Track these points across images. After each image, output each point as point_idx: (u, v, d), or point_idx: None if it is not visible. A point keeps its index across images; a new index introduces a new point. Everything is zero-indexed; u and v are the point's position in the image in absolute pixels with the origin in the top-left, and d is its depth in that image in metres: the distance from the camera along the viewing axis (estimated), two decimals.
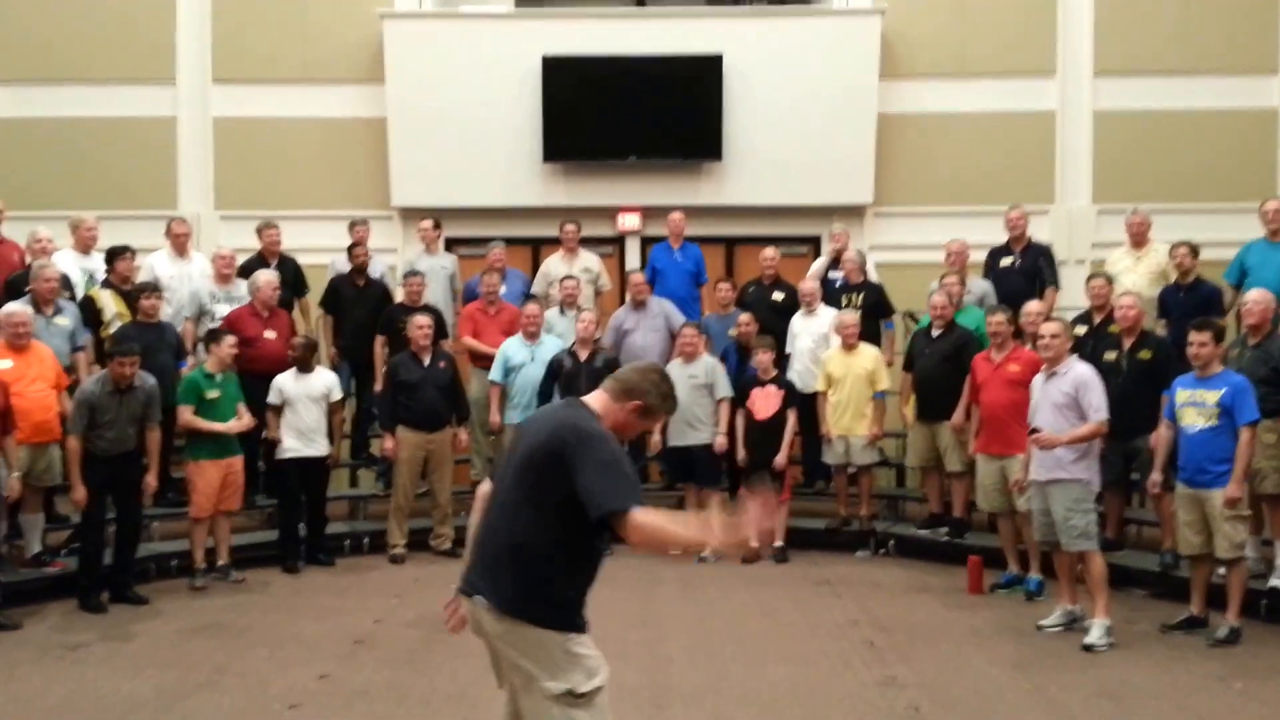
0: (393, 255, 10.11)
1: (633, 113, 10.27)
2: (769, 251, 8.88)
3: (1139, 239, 8.05)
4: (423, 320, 7.74)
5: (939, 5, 10.50)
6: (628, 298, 8.70)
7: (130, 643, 5.95)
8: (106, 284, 7.71)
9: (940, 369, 7.49)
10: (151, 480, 6.80)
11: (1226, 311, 7.35)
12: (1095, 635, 5.77)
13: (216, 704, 5.04)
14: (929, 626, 6.24)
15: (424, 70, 10.36)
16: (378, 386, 8.20)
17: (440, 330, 8.20)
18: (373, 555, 7.88)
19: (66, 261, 7.79)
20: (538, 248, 10.56)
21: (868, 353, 7.92)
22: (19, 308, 6.64)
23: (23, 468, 6.48)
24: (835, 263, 8.88)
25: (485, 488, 3.38)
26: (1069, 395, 5.94)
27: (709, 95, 10.20)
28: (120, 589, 6.62)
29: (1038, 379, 6.23)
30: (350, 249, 8.68)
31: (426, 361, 7.73)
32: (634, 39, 10.38)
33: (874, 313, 8.43)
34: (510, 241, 9.56)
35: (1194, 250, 7.50)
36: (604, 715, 3.07)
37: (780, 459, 7.67)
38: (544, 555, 3.04)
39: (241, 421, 7.13)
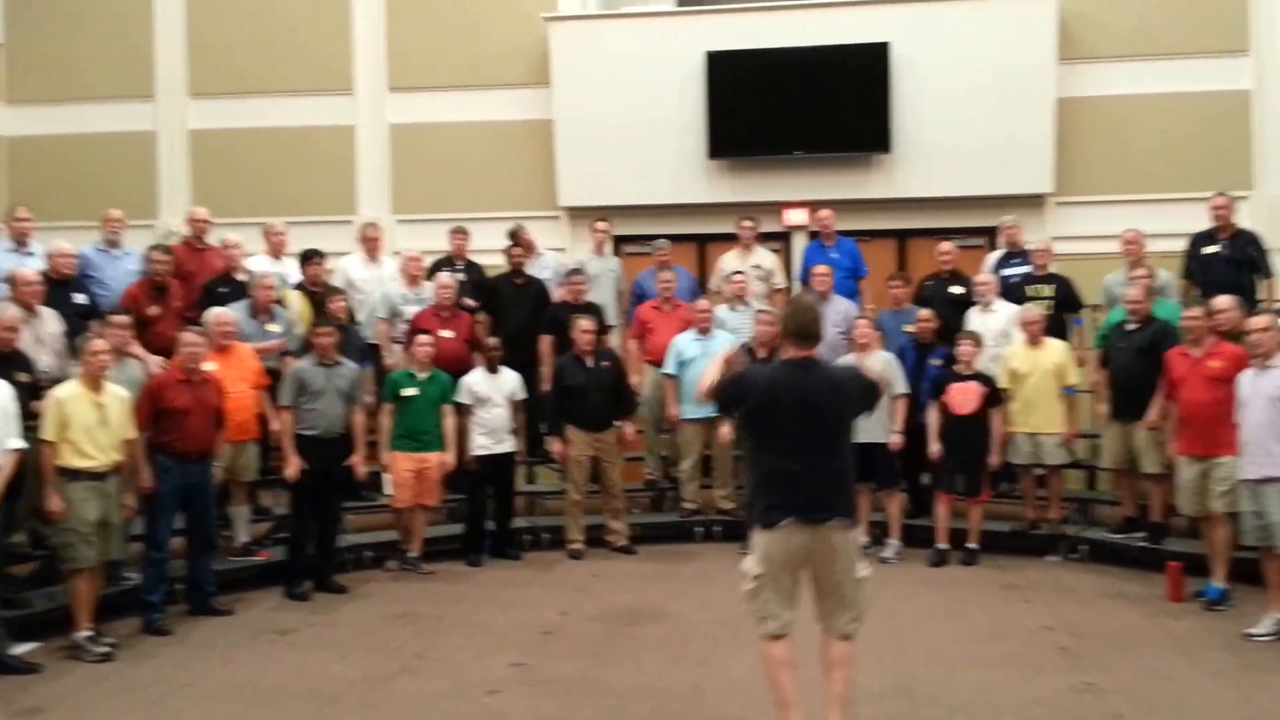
0: (561, 255, 10.30)
1: (798, 106, 10.18)
2: (945, 245, 8.62)
3: None
4: (586, 325, 7.86)
5: None
6: (809, 289, 8.55)
7: (334, 628, 6.27)
8: (299, 286, 8.10)
9: (1136, 365, 7.09)
10: (357, 461, 7.11)
11: None
12: None
13: (420, 688, 5.26)
14: (1126, 633, 5.97)
15: (588, 71, 10.53)
16: (545, 385, 8.36)
17: (603, 328, 8.35)
18: (552, 550, 8.04)
19: (260, 267, 8.15)
20: (703, 245, 10.61)
21: (1055, 347, 7.59)
22: (226, 311, 7.05)
23: (226, 463, 6.90)
24: (1009, 256, 8.58)
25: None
26: None
27: (876, 85, 10.02)
28: (322, 578, 6.98)
29: (1245, 375, 5.88)
30: (507, 250, 8.81)
31: (590, 364, 7.85)
32: (798, 31, 10.25)
33: (1063, 306, 8.10)
34: (675, 239, 9.60)
35: None
36: None
37: (994, 459, 7.45)
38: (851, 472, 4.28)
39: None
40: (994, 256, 8.84)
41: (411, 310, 8.21)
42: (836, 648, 4.23)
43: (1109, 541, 7.52)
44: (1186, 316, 6.63)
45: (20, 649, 5.67)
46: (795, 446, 4.11)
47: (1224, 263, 7.81)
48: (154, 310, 7.30)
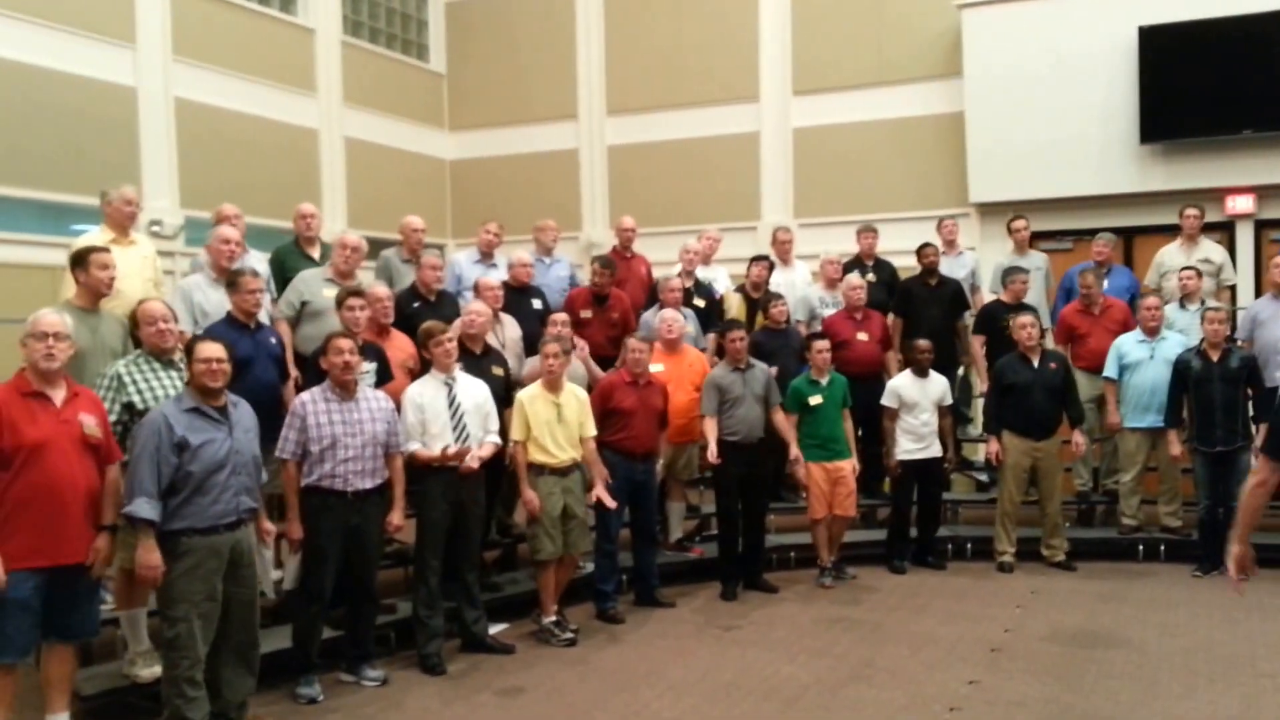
0: (970, 254, 9.87)
1: (1249, 79, 9.19)
2: None
3: None
4: (1029, 319, 7.44)
5: None
6: (1267, 284, 7.64)
7: (774, 628, 6.34)
8: (739, 289, 8.30)
9: None
10: (795, 457, 7.08)
11: None
12: None
13: (876, 697, 5.17)
14: None
15: (1005, 58, 10.08)
16: (981, 386, 8.00)
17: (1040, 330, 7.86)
18: (975, 561, 7.70)
19: (701, 273, 8.37)
20: (1130, 238, 9.77)
21: None
22: (670, 314, 7.35)
23: (666, 462, 7.18)
24: None
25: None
26: None
27: None
28: (752, 576, 7.10)
29: None
30: (919, 250, 8.54)
31: (1036, 362, 7.40)
32: None
33: None
34: (1099, 233, 8.87)
35: None
36: None
37: None
38: None
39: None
40: None
41: (830, 314, 8.18)
42: None
43: None
44: None
45: (494, 629, 6.21)
46: None
47: None
48: (586, 314, 7.71)
